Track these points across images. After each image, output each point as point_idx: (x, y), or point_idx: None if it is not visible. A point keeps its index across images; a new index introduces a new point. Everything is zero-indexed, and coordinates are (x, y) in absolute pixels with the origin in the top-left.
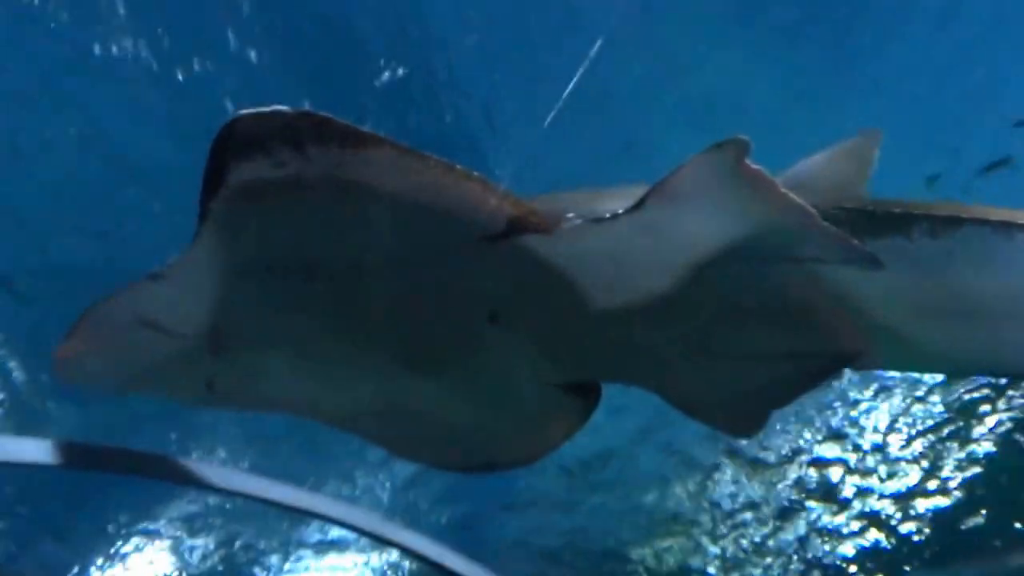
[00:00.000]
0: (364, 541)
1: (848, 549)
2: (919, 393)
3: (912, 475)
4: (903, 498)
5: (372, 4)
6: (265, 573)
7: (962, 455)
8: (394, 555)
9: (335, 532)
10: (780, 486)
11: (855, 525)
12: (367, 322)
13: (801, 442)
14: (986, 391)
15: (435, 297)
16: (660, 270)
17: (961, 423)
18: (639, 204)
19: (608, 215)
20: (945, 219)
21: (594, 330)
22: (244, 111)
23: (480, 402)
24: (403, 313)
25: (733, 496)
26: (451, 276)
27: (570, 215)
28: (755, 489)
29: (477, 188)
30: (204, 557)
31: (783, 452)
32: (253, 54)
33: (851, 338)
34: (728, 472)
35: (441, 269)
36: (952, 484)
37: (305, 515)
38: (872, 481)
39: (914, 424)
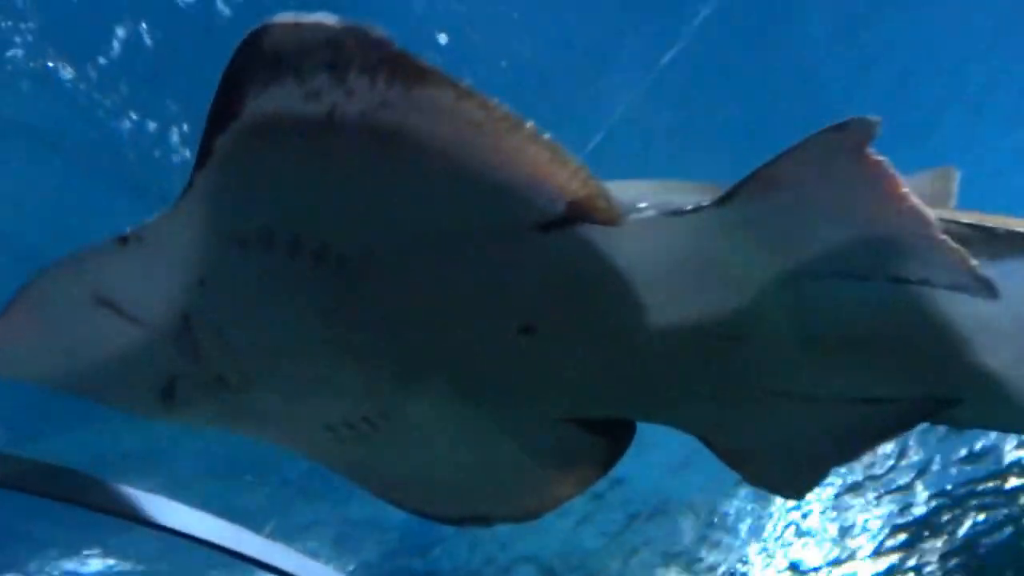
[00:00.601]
0: None
1: None
2: None
3: None
4: None
5: None
6: None
7: None
8: None
9: None
10: None
11: None
12: (373, 320)
13: None
14: None
15: (460, 295)
16: (741, 280)
17: None
18: (729, 195)
19: (690, 207)
20: None
21: (646, 350)
22: (277, 17)
23: (487, 434)
24: (417, 312)
25: None
26: (486, 268)
27: (642, 204)
28: None
29: (544, 155)
30: None
31: None
32: None
33: (945, 382)
34: None
35: (475, 258)
36: None
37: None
38: None
39: None
